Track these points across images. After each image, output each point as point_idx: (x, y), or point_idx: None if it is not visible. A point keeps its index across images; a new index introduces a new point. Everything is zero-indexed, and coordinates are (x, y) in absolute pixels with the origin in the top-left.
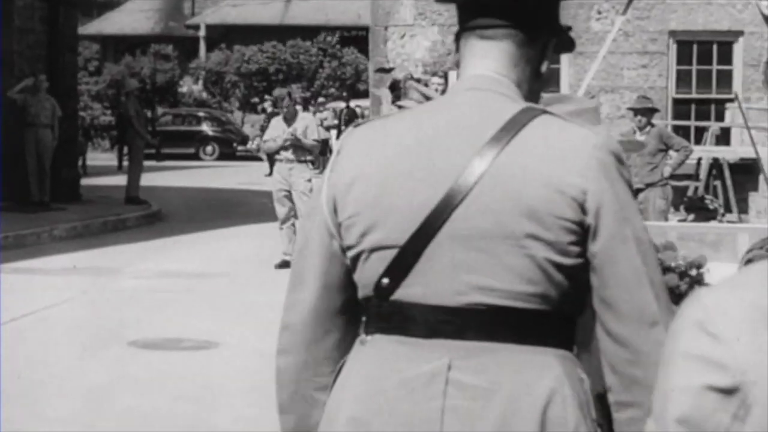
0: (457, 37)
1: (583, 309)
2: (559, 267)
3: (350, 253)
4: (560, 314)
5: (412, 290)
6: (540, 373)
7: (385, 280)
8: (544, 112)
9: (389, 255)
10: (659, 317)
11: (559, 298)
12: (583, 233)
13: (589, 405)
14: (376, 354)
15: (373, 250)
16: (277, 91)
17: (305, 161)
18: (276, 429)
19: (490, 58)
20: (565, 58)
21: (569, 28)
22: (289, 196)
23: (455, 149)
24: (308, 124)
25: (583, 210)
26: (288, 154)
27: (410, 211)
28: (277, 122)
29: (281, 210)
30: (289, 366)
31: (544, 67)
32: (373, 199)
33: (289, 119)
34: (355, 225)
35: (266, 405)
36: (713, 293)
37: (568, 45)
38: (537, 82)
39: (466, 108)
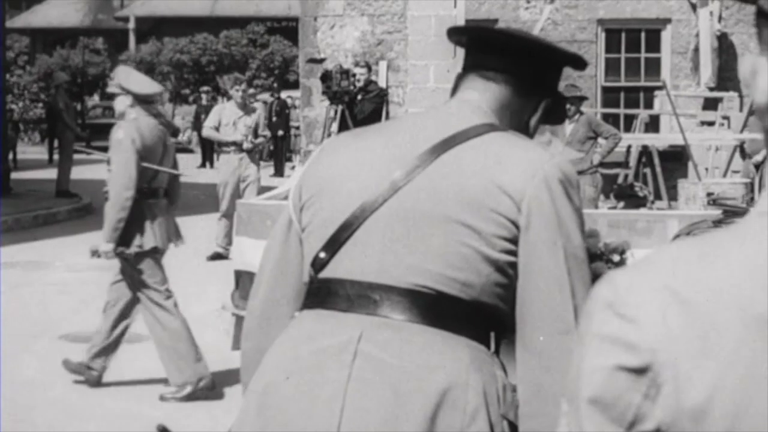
0: (458, 77)
1: (507, 312)
2: (485, 258)
3: (304, 235)
4: (479, 307)
5: (342, 266)
6: (447, 357)
7: (322, 254)
8: (510, 131)
9: (330, 230)
10: (573, 327)
11: (480, 290)
12: (516, 231)
13: (500, 399)
14: (298, 327)
15: (319, 226)
16: (230, 80)
17: (252, 151)
18: (208, 422)
19: (484, 93)
20: None
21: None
22: (236, 189)
23: (411, 145)
24: (258, 119)
25: (518, 209)
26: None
27: (357, 192)
28: (230, 109)
29: (224, 202)
30: (249, 350)
31: (533, 122)
32: (330, 182)
33: (242, 107)
34: (312, 205)
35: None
36: (625, 274)
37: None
38: (524, 132)
39: (436, 117)
